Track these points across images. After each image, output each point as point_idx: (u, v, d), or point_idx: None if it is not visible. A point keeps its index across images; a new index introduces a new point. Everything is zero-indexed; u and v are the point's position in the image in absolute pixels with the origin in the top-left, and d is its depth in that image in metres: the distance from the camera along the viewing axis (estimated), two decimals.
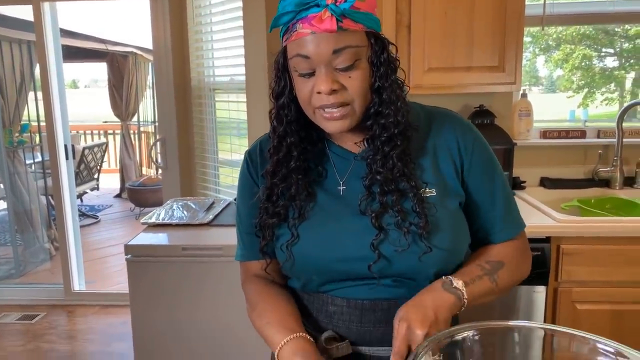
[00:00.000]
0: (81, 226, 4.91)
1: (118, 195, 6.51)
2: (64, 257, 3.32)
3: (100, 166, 6.02)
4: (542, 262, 1.81)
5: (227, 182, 2.89)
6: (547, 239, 1.81)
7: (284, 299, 0.94)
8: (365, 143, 0.87)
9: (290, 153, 0.88)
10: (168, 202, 2.47)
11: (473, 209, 0.92)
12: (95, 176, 5.87)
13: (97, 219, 5.45)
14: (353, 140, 0.90)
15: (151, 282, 1.93)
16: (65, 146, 3.33)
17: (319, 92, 0.80)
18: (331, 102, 0.80)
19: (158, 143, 3.06)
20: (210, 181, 2.97)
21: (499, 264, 0.90)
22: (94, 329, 3.01)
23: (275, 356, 0.84)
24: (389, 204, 0.84)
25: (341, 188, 0.90)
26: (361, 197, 0.86)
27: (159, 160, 3.12)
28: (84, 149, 5.43)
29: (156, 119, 3.10)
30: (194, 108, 2.96)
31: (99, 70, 7.22)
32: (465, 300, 0.83)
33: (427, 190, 0.86)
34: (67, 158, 3.35)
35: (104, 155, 6.14)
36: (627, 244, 1.78)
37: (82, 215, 5.36)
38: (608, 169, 2.30)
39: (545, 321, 1.82)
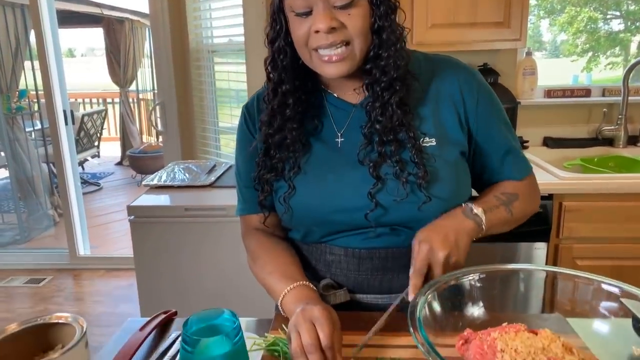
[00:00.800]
0: (84, 193, 4.94)
1: (119, 163, 6.51)
2: (68, 222, 3.35)
3: (101, 134, 5.99)
4: (543, 219, 1.82)
5: (227, 150, 2.87)
6: (550, 197, 1.81)
7: (285, 249, 0.95)
8: (365, 89, 0.86)
9: (285, 101, 0.86)
10: (169, 164, 2.47)
11: (483, 155, 0.92)
12: (96, 144, 5.85)
13: (99, 186, 5.47)
14: (351, 88, 0.88)
15: (154, 242, 1.95)
16: (65, 112, 3.30)
17: (316, 32, 0.78)
18: (330, 41, 0.78)
19: (158, 107, 3.03)
20: (211, 145, 2.96)
21: (513, 196, 0.91)
22: (100, 292, 3.07)
23: (279, 305, 0.85)
24: (387, 154, 0.83)
25: (339, 140, 0.89)
26: (360, 147, 0.85)
27: (159, 125, 3.10)
28: (83, 116, 5.40)
29: (155, 87, 3.06)
30: (193, 71, 2.92)
31: (96, 38, 7.10)
32: (484, 227, 0.84)
33: (427, 140, 0.85)
34: (66, 124, 3.33)
35: (103, 122, 6.10)
36: (629, 200, 1.78)
37: (84, 182, 5.38)
38: (612, 127, 2.28)
39: (544, 286, 1.83)
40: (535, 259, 1.86)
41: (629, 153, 2.21)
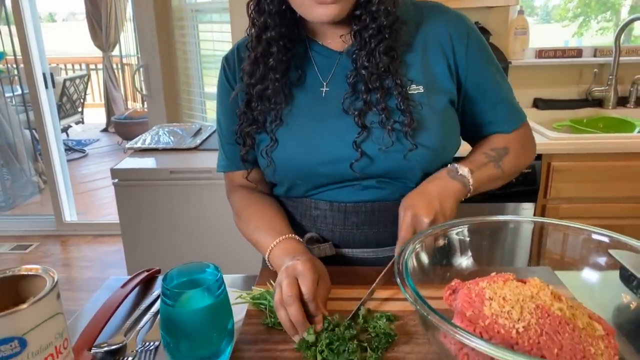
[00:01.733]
0: (69, 160, 4.86)
1: (105, 130, 6.38)
2: (53, 188, 3.30)
3: (84, 99, 5.85)
4: (531, 180, 1.81)
5: (213, 115, 2.80)
6: (539, 157, 1.81)
7: (270, 204, 0.93)
8: (352, 37, 0.82)
9: (269, 49, 0.82)
10: (154, 128, 2.41)
11: (474, 103, 0.89)
12: (79, 110, 5.72)
13: (84, 153, 5.38)
14: (338, 35, 0.84)
15: (140, 206, 1.92)
16: (44, 75, 3.20)
17: None
18: None
19: (141, 69, 2.95)
20: (197, 109, 2.90)
21: (504, 150, 0.89)
22: (88, 257, 3.05)
23: (267, 259, 0.84)
24: (372, 102, 0.81)
25: (324, 89, 0.86)
26: (345, 95, 0.82)
27: (143, 88, 3.02)
28: (64, 80, 5.25)
29: (139, 51, 2.96)
30: (177, 32, 2.82)
31: (77, 2, 6.82)
32: (472, 187, 0.82)
33: (414, 87, 0.82)
34: (46, 87, 3.23)
35: (86, 87, 5.94)
36: (617, 160, 1.78)
37: (69, 149, 5.28)
38: (602, 88, 2.26)
39: (532, 237, 1.85)
40: (516, 230, 1.86)
41: (618, 114, 2.20)
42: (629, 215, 1.83)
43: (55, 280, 0.49)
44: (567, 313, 0.55)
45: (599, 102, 2.29)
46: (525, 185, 1.82)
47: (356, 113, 0.80)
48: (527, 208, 1.86)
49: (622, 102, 2.28)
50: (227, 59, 0.93)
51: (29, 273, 0.50)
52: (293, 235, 0.84)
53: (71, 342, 0.53)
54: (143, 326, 0.75)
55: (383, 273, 0.77)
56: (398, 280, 0.58)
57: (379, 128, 0.80)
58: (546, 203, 1.85)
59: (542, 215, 1.87)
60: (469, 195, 0.84)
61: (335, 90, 0.84)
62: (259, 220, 0.89)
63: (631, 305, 0.64)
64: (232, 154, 0.95)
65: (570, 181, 1.81)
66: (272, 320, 0.70)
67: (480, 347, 0.45)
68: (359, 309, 0.72)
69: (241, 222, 0.93)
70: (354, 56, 0.82)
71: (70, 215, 3.41)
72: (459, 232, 0.72)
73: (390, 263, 0.77)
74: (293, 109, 0.86)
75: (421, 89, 0.82)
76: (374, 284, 0.76)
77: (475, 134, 0.94)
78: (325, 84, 0.86)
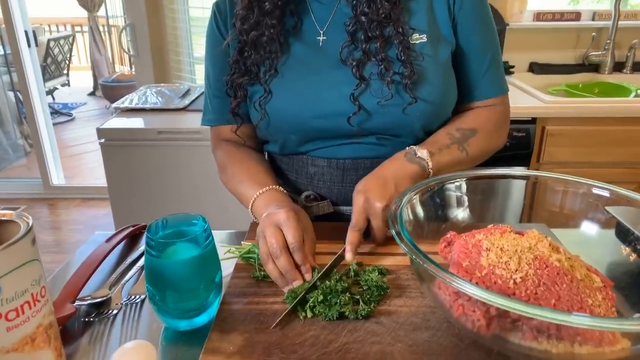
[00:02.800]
0: (55, 123, 4.76)
1: (92, 94, 6.24)
2: (39, 151, 3.22)
3: (69, 61, 5.68)
4: (525, 144, 1.79)
5: (203, 77, 2.73)
6: (533, 120, 1.78)
7: (255, 158, 0.90)
8: None
9: None
10: (141, 88, 2.35)
11: (459, 59, 0.84)
12: (65, 72, 5.56)
13: (71, 116, 5.26)
14: None
15: (127, 166, 1.88)
16: (26, 32, 3.08)
17: None
18: None
19: (128, 28, 2.84)
20: (186, 70, 2.82)
21: (470, 132, 0.84)
22: (77, 220, 3.02)
23: (250, 211, 0.81)
24: (372, 52, 0.77)
25: (321, 38, 0.82)
26: (343, 45, 0.78)
27: (131, 49, 2.92)
28: (48, 40, 5.07)
29: (125, 9, 2.85)
30: None
31: None
32: (431, 171, 0.77)
33: (416, 36, 0.78)
34: (29, 46, 3.11)
35: (71, 48, 5.75)
36: (611, 124, 1.76)
37: (56, 112, 5.16)
38: (599, 53, 2.23)
39: (524, 201, 1.84)
40: (514, 183, 1.85)
41: (614, 79, 2.17)
42: (622, 180, 1.82)
43: (30, 225, 0.46)
44: (565, 264, 0.54)
45: (595, 67, 2.26)
46: (519, 149, 1.80)
47: (354, 64, 0.76)
48: (517, 186, 1.84)
49: (618, 67, 2.25)
50: (217, 4, 0.88)
51: (3, 219, 0.47)
52: (277, 187, 0.81)
53: (52, 294, 0.51)
54: (128, 280, 0.73)
55: (335, 257, 0.73)
56: (393, 232, 0.56)
57: (377, 80, 0.77)
58: (539, 167, 1.84)
59: (534, 183, 1.86)
60: (428, 178, 0.78)
61: (332, 40, 0.80)
62: (243, 174, 0.85)
63: (630, 257, 0.63)
64: (220, 107, 0.91)
65: (564, 145, 1.80)
66: (262, 273, 0.68)
67: (477, 295, 0.43)
68: (342, 255, 0.69)
69: (225, 177, 0.90)
70: (354, 2, 0.77)
71: (57, 178, 3.35)
72: (455, 186, 0.70)
73: (342, 249, 0.73)
74: (288, 59, 0.82)
75: (424, 39, 0.78)
76: (326, 266, 0.72)
77: (458, 99, 0.88)
78: (322, 32, 0.81)
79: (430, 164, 0.77)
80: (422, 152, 0.77)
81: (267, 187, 0.79)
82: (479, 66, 0.85)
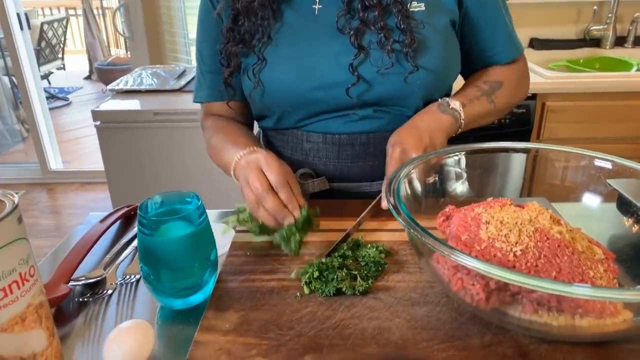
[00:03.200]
0: (52, 108, 4.72)
1: (88, 77, 6.17)
2: (36, 136, 3.20)
3: (64, 44, 5.60)
4: (525, 120, 1.77)
5: None
6: (533, 96, 1.76)
7: (241, 128, 0.88)
8: None
9: None
10: (136, 69, 2.31)
11: (474, 29, 0.84)
12: (60, 55, 5.49)
13: (67, 101, 5.21)
14: None
15: (124, 148, 1.87)
16: (18, 15, 3.03)
17: None
18: None
19: (121, 9, 2.79)
20: (181, 51, 2.78)
21: (497, 84, 0.85)
22: (76, 205, 3.01)
23: (232, 176, 0.77)
24: (370, 21, 0.74)
25: (316, 7, 0.79)
26: (339, 13, 0.76)
27: (126, 31, 2.88)
28: (42, 23, 4.99)
29: None
30: None
31: None
32: (463, 122, 0.79)
33: (415, 4, 0.76)
34: (21, 29, 3.06)
35: (65, 31, 5.67)
36: (613, 99, 1.74)
37: (52, 97, 5.11)
38: (601, 27, 2.19)
39: (525, 174, 1.83)
40: (514, 156, 1.84)
41: (615, 54, 2.14)
42: (623, 156, 1.78)
43: (16, 203, 0.45)
44: (566, 236, 0.52)
45: (597, 42, 2.22)
46: (519, 125, 1.78)
47: (352, 33, 0.74)
48: (518, 160, 1.82)
49: (620, 42, 2.22)
50: None
51: None
52: (259, 148, 0.77)
53: (41, 275, 0.50)
54: (123, 260, 0.72)
55: (372, 205, 0.73)
56: (390, 206, 0.55)
57: (377, 49, 0.75)
58: None
59: (533, 167, 1.84)
60: (459, 130, 0.80)
61: (328, 8, 0.78)
62: (226, 142, 0.82)
63: (633, 228, 0.62)
64: (213, 83, 0.89)
65: (564, 121, 1.78)
66: (255, 228, 0.68)
67: (476, 267, 0.42)
68: (344, 239, 0.69)
69: (210, 149, 0.88)
70: None
71: (55, 163, 3.34)
72: (454, 160, 0.68)
73: (379, 197, 0.74)
74: (282, 27, 0.79)
75: (422, 7, 0.76)
76: (362, 215, 0.73)
77: (471, 64, 0.89)
78: (317, 0, 0.79)
79: (462, 114, 0.78)
80: (455, 103, 0.78)
81: (249, 149, 0.75)
82: (496, 33, 0.85)
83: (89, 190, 3.19)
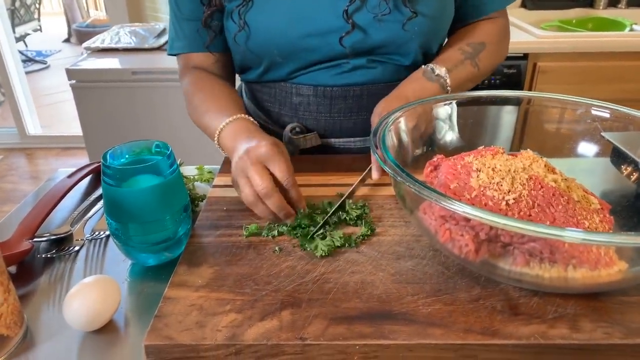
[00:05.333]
0: (29, 72, 4.56)
1: (67, 40, 5.95)
2: (12, 100, 3.08)
3: (40, 3, 5.37)
4: (515, 82, 1.73)
5: None
6: (524, 57, 1.71)
7: (225, 87, 0.81)
8: None
9: None
10: (113, 27, 2.21)
11: None
12: (36, 16, 5.27)
13: (45, 64, 5.03)
14: None
15: (101, 109, 1.79)
16: None
17: None
18: None
19: None
20: (162, 10, 2.66)
21: (480, 45, 0.81)
22: (56, 170, 2.93)
23: (216, 144, 0.73)
24: None
25: None
26: None
27: None
28: None
29: None
30: None
31: None
32: (449, 88, 0.74)
33: None
34: None
35: None
36: (605, 60, 1.70)
37: (29, 60, 4.93)
38: None
39: (513, 141, 1.81)
40: (503, 121, 1.81)
41: (609, 14, 2.09)
42: None
43: None
44: (561, 185, 0.49)
45: (590, 2, 2.16)
46: (509, 86, 1.74)
47: None
48: (509, 111, 1.79)
49: (613, 2, 2.16)
50: None
51: None
52: (246, 115, 0.72)
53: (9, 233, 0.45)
54: (92, 216, 0.68)
55: (363, 175, 0.69)
56: (376, 155, 0.51)
57: None
58: (529, 107, 1.78)
59: (525, 119, 1.81)
60: None
61: None
62: (209, 104, 0.76)
63: (631, 177, 0.59)
64: (190, 31, 0.81)
65: (556, 82, 1.74)
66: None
67: (466, 213, 0.39)
68: (344, 202, 0.64)
69: (191, 107, 0.81)
70: None
71: (34, 128, 3.23)
72: (444, 109, 0.64)
73: (369, 168, 0.70)
74: None
75: None
76: (353, 186, 0.68)
77: (457, 17, 0.83)
78: None
79: (448, 81, 0.74)
80: (440, 69, 0.74)
81: (235, 116, 0.70)
82: None
83: (71, 156, 3.11)
